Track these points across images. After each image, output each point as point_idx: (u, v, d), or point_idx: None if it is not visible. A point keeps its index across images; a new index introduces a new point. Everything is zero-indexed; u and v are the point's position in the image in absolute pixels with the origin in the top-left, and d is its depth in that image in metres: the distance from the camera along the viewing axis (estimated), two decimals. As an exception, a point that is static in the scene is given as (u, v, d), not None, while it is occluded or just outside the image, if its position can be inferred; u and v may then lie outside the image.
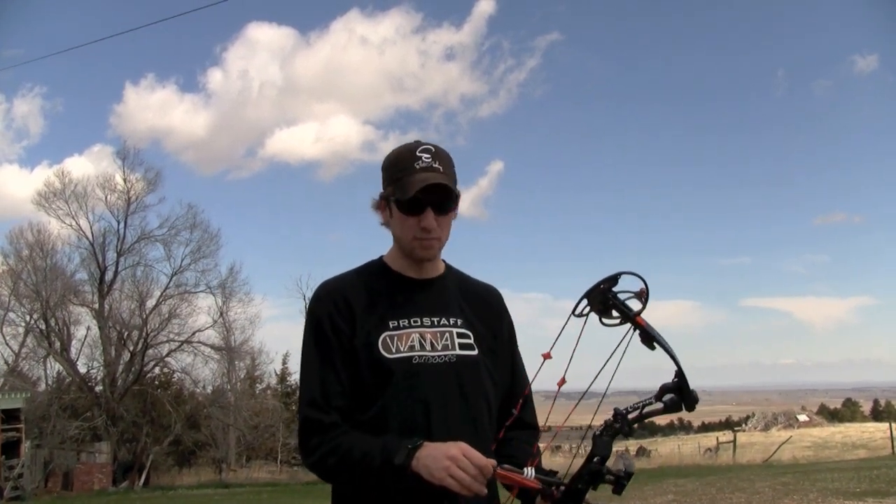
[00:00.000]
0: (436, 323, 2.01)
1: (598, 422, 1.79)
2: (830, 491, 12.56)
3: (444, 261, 2.15)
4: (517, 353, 2.21)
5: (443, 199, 1.96)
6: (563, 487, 1.70)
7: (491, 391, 2.05)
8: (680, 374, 1.67)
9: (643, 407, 1.69)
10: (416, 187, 1.91)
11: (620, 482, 1.69)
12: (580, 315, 1.76)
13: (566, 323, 1.77)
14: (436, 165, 1.97)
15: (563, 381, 1.76)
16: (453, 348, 1.99)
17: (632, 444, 49.90)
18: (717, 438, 43.27)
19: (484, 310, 2.13)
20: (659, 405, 1.69)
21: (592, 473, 1.67)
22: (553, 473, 1.76)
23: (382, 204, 2.06)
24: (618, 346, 1.72)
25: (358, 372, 1.94)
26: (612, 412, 1.69)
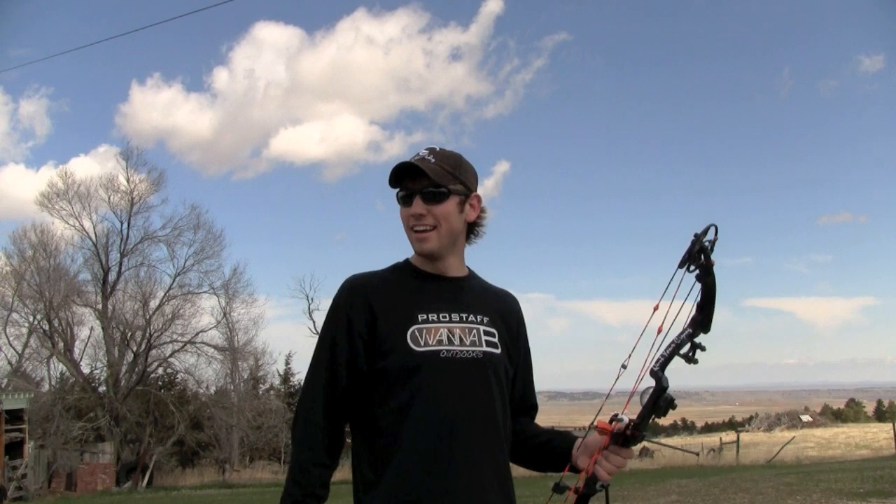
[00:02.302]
0: (464, 319, 2.03)
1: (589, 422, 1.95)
2: (834, 491, 12.54)
3: (468, 267, 2.18)
4: (530, 361, 2.26)
5: (428, 186, 2.00)
6: (632, 425, 1.88)
7: (507, 391, 2.09)
8: (709, 300, 1.86)
9: (683, 339, 1.87)
10: (393, 173, 2.01)
11: (669, 406, 1.87)
12: (684, 265, 1.86)
13: (674, 274, 1.85)
14: (427, 158, 2.02)
15: (661, 329, 1.86)
16: (480, 344, 2.02)
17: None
18: (721, 439, 43.23)
19: (506, 313, 2.17)
20: (689, 331, 1.87)
21: (667, 402, 1.86)
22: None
23: None
24: (690, 289, 1.87)
25: (382, 364, 1.96)
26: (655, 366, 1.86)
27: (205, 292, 36.55)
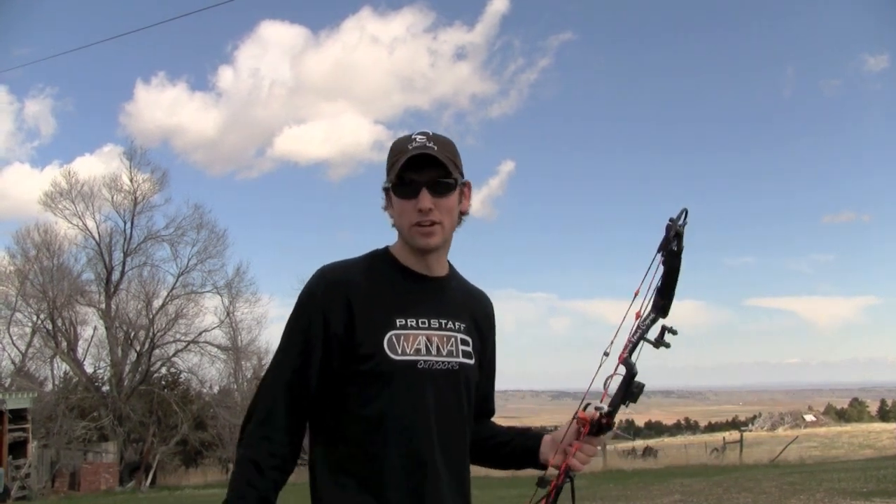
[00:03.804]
0: (443, 326, 1.91)
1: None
2: (837, 491, 12.53)
3: (448, 261, 2.04)
4: (495, 367, 2.16)
5: (438, 178, 1.85)
6: (607, 412, 1.87)
7: (473, 402, 2.00)
8: (671, 284, 1.87)
9: (647, 324, 1.88)
10: (403, 160, 1.83)
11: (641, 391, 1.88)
12: (666, 248, 1.86)
13: (653, 259, 1.86)
14: (430, 145, 1.85)
15: (638, 315, 1.88)
16: (457, 355, 1.91)
17: (639, 444, 49.86)
18: (724, 438, 43.22)
19: (481, 319, 2.06)
20: (652, 315, 1.88)
21: (639, 388, 1.86)
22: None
23: (386, 197, 1.94)
24: (656, 272, 1.88)
25: (356, 369, 1.82)
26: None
27: (208, 292, 36.65)
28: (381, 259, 1.96)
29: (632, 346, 1.86)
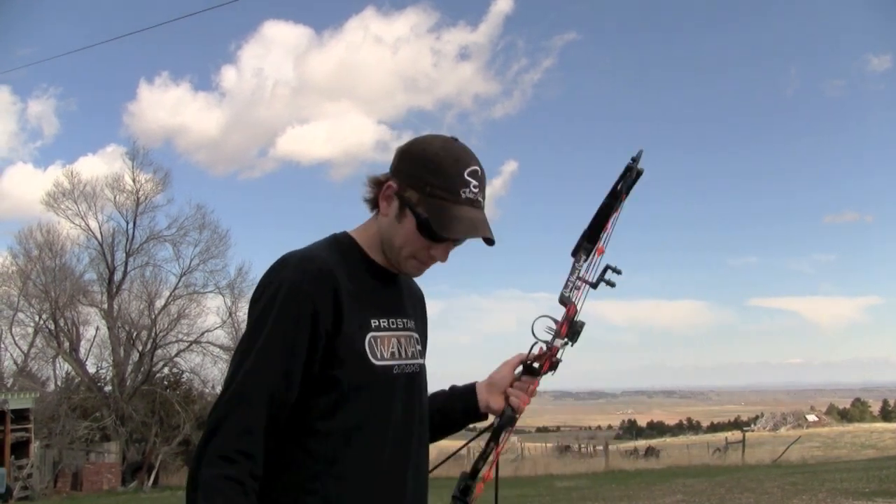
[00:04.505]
0: (405, 325, 1.76)
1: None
2: (839, 491, 12.53)
3: None
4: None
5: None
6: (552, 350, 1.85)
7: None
8: (596, 230, 1.89)
9: (580, 265, 1.89)
10: (461, 232, 1.64)
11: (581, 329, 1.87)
12: (626, 185, 1.88)
13: (619, 200, 1.88)
14: (480, 200, 1.66)
15: (602, 251, 1.87)
16: (417, 356, 1.78)
17: (641, 444, 49.87)
18: (726, 438, 43.22)
19: (420, 310, 1.93)
20: (583, 257, 1.89)
21: (580, 325, 1.85)
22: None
23: (391, 196, 1.69)
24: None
25: (334, 374, 1.61)
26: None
27: (210, 292, 36.57)
28: (349, 250, 1.74)
29: (572, 286, 1.86)
